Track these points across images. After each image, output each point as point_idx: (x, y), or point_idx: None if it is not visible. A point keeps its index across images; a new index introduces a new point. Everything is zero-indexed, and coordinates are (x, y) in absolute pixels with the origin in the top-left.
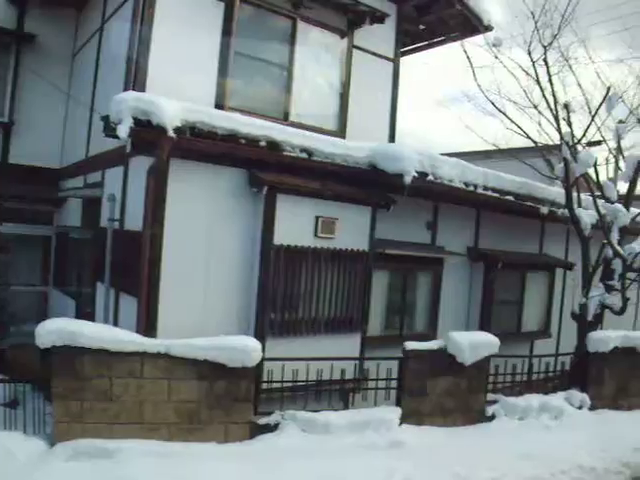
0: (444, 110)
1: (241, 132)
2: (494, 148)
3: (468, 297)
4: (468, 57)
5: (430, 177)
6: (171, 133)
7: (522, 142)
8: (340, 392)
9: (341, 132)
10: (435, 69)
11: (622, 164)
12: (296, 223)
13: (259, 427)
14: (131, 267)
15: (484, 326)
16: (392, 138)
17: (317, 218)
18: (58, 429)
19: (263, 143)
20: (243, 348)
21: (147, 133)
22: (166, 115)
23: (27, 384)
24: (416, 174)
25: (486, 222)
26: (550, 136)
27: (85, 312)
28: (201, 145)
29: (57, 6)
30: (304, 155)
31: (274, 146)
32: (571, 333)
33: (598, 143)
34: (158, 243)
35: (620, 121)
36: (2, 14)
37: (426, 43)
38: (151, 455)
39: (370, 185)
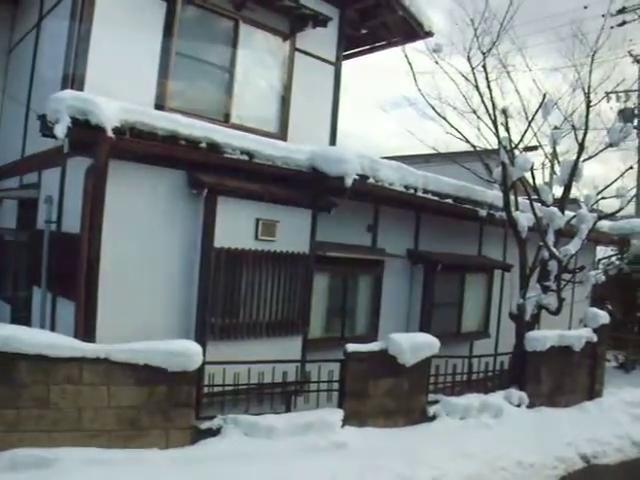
0: (384, 113)
1: (182, 133)
2: (434, 152)
3: (409, 299)
4: (409, 62)
5: (371, 180)
6: (110, 133)
7: (461, 146)
8: (282, 395)
9: (282, 134)
10: (376, 72)
11: (557, 169)
12: (237, 226)
13: (201, 432)
14: (69, 270)
15: (424, 327)
16: (333, 140)
17: (258, 220)
18: None
19: (203, 145)
20: (184, 352)
21: (85, 133)
22: (105, 115)
23: None
24: (357, 177)
25: (426, 225)
26: (488, 141)
27: (20, 317)
28: (141, 146)
29: None
30: (245, 157)
31: (215, 148)
32: (509, 333)
33: (534, 148)
34: (96, 245)
35: (555, 127)
36: None
37: (368, 47)
38: (91, 463)
39: (311, 188)
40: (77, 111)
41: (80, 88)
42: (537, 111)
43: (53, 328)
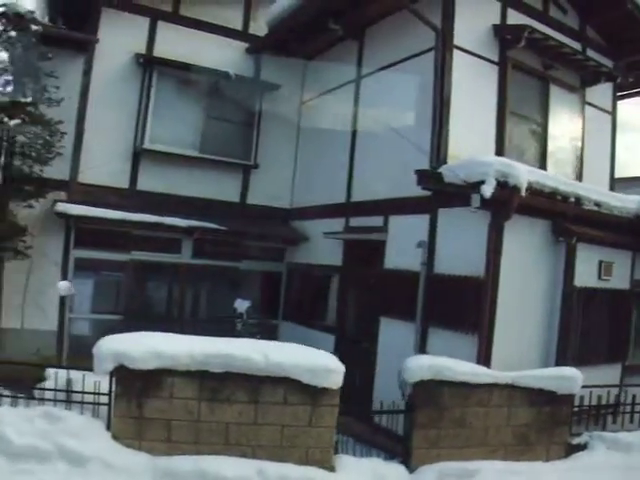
0: None
1: (560, 190)
2: None
3: None
4: None
5: None
6: (523, 192)
7: None
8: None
9: (578, 180)
10: None
11: None
12: (587, 267)
13: (572, 447)
14: (456, 307)
15: None
16: (612, 184)
17: (600, 262)
18: (417, 454)
19: (572, 199)
20: (572, 377)
21: (502, 192)
22: (522, 177)
23: None
24: None
25: None
26: None
27: (360, 347)
28: (531, 201)
29: (288, 56)
30: (595, 208)
31: (578, 201)
32: None
33: None
34: (495, 288)
35: None
36: (243, 64)
37: (625, 93)
38: (502, 474)
39: (633, 232)
40: (500, 174)
41: (445, 144)
42: None
43: None
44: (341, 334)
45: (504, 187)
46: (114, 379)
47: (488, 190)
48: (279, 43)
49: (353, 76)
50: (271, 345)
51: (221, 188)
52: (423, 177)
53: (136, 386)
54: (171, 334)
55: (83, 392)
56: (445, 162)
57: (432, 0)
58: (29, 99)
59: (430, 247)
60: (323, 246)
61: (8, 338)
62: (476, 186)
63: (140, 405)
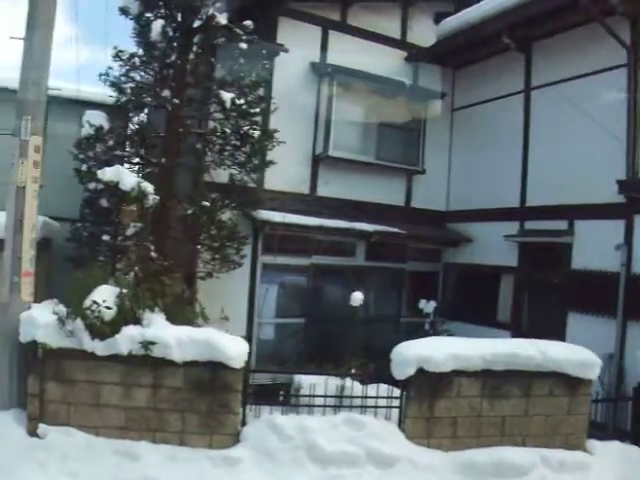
0: None
1: None
2: None
3: None
4: None
5: None
6: None
7: None
8: None
9: None
10: None
11: None
12: None
13: None
14: None
15: None
16: None
17: None
18: None
19: None
20: None
21: None
22: None
23: None
24: None
25: None
26: None
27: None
28: None
29: (443, 65)
30: None
31: None
32: None
33: None
34: None
35: None
36: (401, 71)
37: None
38: None
39: None
40: None
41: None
42: None
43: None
44: (517, 329)
45: None
46: (409, 382)
47: None
48: (443, 53)
49: (521, 86)
50: (540, 343)
51: (390, 192)
52: (627, 186)
53: (428, 388)
54: (449, 338)
55: (377, 397)
56: (638, 174)
57: (618, 18)
58: (257, 109)
59: (629, 249)
60: (491, 247)
61: None
62: None
63: (430, 406)
